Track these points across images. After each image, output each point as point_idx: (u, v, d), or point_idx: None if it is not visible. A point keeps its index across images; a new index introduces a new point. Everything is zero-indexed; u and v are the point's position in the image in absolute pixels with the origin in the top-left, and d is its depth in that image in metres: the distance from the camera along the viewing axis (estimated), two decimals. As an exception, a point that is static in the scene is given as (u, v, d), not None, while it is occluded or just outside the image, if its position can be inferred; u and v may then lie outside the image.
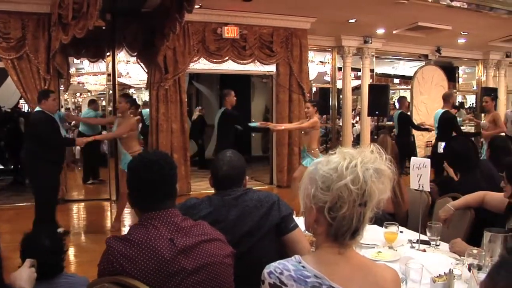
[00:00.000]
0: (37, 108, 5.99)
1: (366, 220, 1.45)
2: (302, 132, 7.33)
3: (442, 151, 7.17)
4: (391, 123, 13.36)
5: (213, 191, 2.50)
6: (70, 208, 7.92)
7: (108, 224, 7.01)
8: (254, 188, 2.53)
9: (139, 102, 15.35)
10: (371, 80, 11.69)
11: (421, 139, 11.77)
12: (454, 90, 14.41)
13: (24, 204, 7.91)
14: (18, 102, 11.57)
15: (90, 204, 8.19)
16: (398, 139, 9.83)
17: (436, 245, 2.92)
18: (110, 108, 8.77)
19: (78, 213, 7.79)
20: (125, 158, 6.33)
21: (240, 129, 7.97)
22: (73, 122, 9.81)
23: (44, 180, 5.87)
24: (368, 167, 1.42)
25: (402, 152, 7.26)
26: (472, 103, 15.88)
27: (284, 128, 8.46)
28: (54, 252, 2.55)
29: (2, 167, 10.75)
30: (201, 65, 9.20)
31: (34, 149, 5.84)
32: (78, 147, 10.76)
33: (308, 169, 1.52)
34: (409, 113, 10.37)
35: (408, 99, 13.41)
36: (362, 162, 1.43)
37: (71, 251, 5.64)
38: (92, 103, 10.43)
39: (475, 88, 14.30)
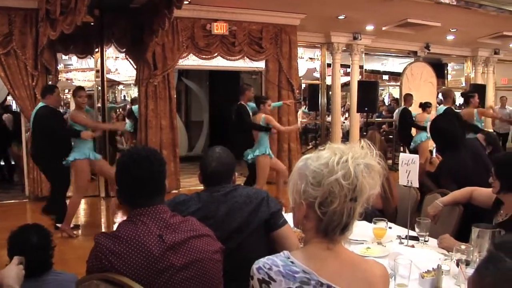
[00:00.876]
0: (41, 104, 6.06)
1: (356, 215, 1.45)
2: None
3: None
4: (380, 119, 13.43)
5: (203, 187, 2.49)
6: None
7: (98, 220, 6.97)
8: (243, 185, 2.53)
9: (128, 99, 15.30)
10: (360, 77, 11.72)
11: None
12: (443, 87, 14.50)
13: (12, 201, 7.85)
14: (5, 99, 11.45)
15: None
16: (399, 134, 9.89)
17: (425, 241, 2.94)
18: (98, 105, 8.72)
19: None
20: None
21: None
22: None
23: (59, 176, 6.09)
24: (359, 162, 1.43)
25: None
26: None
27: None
28: (42, 248, 2.53)
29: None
30: (190, 61, 9.17)
31: (44, 145, 5.97)
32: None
33: (297, 164, 1.52)
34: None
35: (397, 96, 13.50)
36: (353, 157, 1.43)
37: (60, 248, 5.60)
38: (89, 99, 10.31)
39: (463, 84, 14.38)
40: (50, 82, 7.95)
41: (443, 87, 9.55)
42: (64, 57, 10.18)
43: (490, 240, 2.39)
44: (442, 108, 8.31)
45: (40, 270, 2.48)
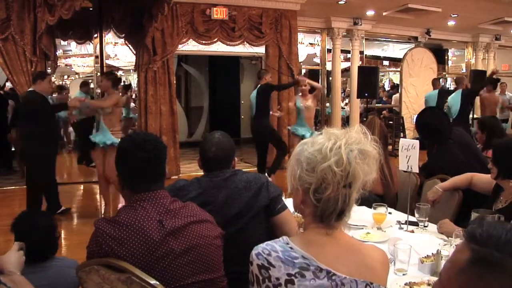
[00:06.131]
0: (31, 89, 5.96)
1: (352, 201, 1.45)
2: (305, 109, 7.70)
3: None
4: (380, 105, 13.41)
5: (202, 173, 2.49)
6: (60, 190, 7.87)
7: (98, 206, 6.98)
8: (243, 170, 2.53)
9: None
10: (360, 62, 11.69)
11: (410, 120, 11.81)
12: (444, 73, 14.46)
13: (12, 187, 7.86)
14: (4, 85, 11.41)
15: (80, 186, 8.16)
16: None
17: (424, 226, 2.94)
18: (98, 91, 8.69)
19: (68, 195, 7.75)
20: (105, 134, 6.17)
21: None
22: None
23: (40, 162, 5.86)
24: (352, 148, 1.42)
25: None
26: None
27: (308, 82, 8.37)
28: (51, 230, 2.55)
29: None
30: (190, 46, 9.15)
31: (28, 130, 5.82)
32: (71, 129, 10.67)
33: (295, 149, 1.52)
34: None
35: (397, 81, 13.46)
36: (346, 143, 1.42)
37: (61, 234, 5.63)
38: (84, 85, 10.27)
39: (464, 70, 14.34)
40: (48, 68, 7.91)
41: (458, 76, 9.58)
42: (63, 42, 10.14)
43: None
44: (458, 91, 8.57)
45: (47, 253, 2.48)
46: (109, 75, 6.47)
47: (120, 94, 11.57)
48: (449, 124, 4.11)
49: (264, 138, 7.55)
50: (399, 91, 12.61)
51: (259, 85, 7.62)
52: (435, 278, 2.17)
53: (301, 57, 10.93)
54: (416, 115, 4.56)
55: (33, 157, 5.90)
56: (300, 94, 7.79)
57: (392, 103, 13.70)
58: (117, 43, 10.55)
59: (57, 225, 2.66)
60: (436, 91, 10.04)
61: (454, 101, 8.32)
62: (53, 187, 6.25)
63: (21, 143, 6.07)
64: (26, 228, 2.46)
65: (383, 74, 16.49)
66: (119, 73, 14.68)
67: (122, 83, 13.71)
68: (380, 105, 13.50)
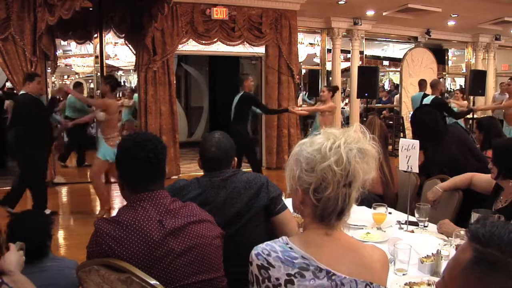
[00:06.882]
0: (22, 91, 5.94)
1: (352, 200, 1.45)
2: (319, 113, 7.62)
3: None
4: (380, 105, 13.41)
5: (202, 173, 2.49)
6: (59, 191, 7.88)
7: (97, 207, 6.97)
8: (243, 170, 2.52)
9: (128, 85, 15.24)
10: (360, 62, 11.68)
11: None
12: (444, 73, 14.46)
13: (9, 188, 7.84)
14: (4, 85, 11.40)
15: (78, 187, 8.15)
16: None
17: (424, 226, 2.94)
18: (98, 91, 8.68)
19: (67, 196, 7.76)
20: (100, 145, 6.16)
21: (259, 112, 7.95)
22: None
23: (32, 164, 5.83)
24: (351, 148, 1.42)
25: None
26: (460, 85, 15.95)
27: (301, 112, 8.79)
28: (44, 232, 2.54)
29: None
30: (190, 46, 9.12)
31: (22, 132, 5.78)
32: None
33: (293, 150, 1.52)
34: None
35: (397, 81, 13.45)
36: (345, 142, 1.42)
37: (60, 234, 5.63)
38: (78, 86, 10.24)
39: (464, 70, 14.34)
40: (49, 68, 7.89)
41: (434, 76, 9.45)
42: (63, 42, 10.13)
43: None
44: (430, 97, 8.37)
45: (38, 255, 2.48)
46: (108, 79, 6.42)
47: (126, 97, 11.58)
48: (443, 121, 4.12)
49: (241, 144, 7.14)
50: (399, 91, 12.62)
51: (242, 92, 7.30)
52: (435, 278, 2.18)
53: (301, 57, 10.94)
54: (411, 114, 4.58)
55: (23, 158, 5.87)
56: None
57: (394, 103, 13.70)
58: (117, 43, 10.55)
59: (47, 227, 2.64)
60: (421, 93, 10.03)
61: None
62: (42, 188, 6.12)
63: (13, 144, 6.02)
64: (14, 230, 2.46)
65: (383, 74, 16.50)
66: (119, 73, 14.68)
67: (127, 86, 13.66)
68: (380, 105, 13.50)
